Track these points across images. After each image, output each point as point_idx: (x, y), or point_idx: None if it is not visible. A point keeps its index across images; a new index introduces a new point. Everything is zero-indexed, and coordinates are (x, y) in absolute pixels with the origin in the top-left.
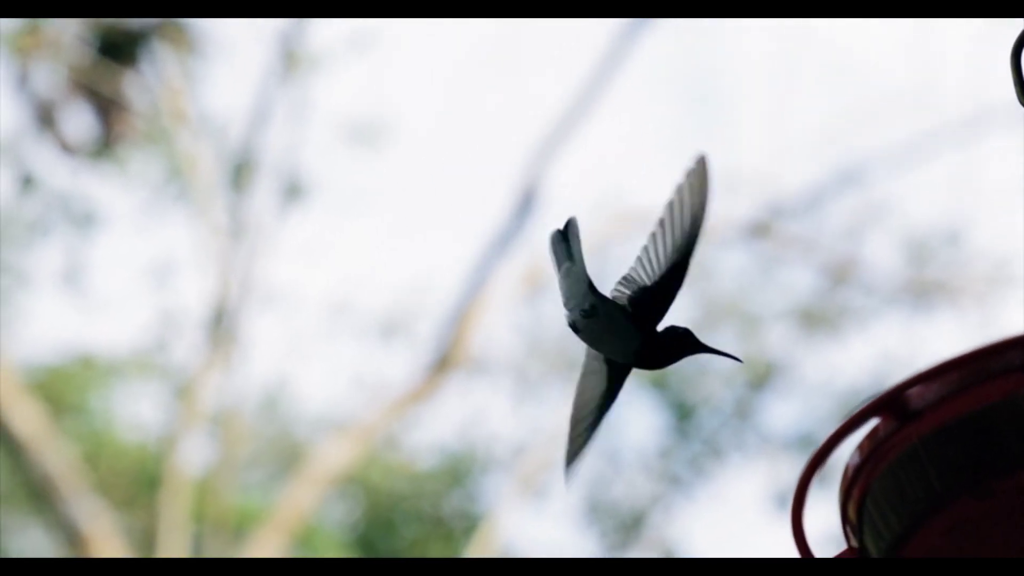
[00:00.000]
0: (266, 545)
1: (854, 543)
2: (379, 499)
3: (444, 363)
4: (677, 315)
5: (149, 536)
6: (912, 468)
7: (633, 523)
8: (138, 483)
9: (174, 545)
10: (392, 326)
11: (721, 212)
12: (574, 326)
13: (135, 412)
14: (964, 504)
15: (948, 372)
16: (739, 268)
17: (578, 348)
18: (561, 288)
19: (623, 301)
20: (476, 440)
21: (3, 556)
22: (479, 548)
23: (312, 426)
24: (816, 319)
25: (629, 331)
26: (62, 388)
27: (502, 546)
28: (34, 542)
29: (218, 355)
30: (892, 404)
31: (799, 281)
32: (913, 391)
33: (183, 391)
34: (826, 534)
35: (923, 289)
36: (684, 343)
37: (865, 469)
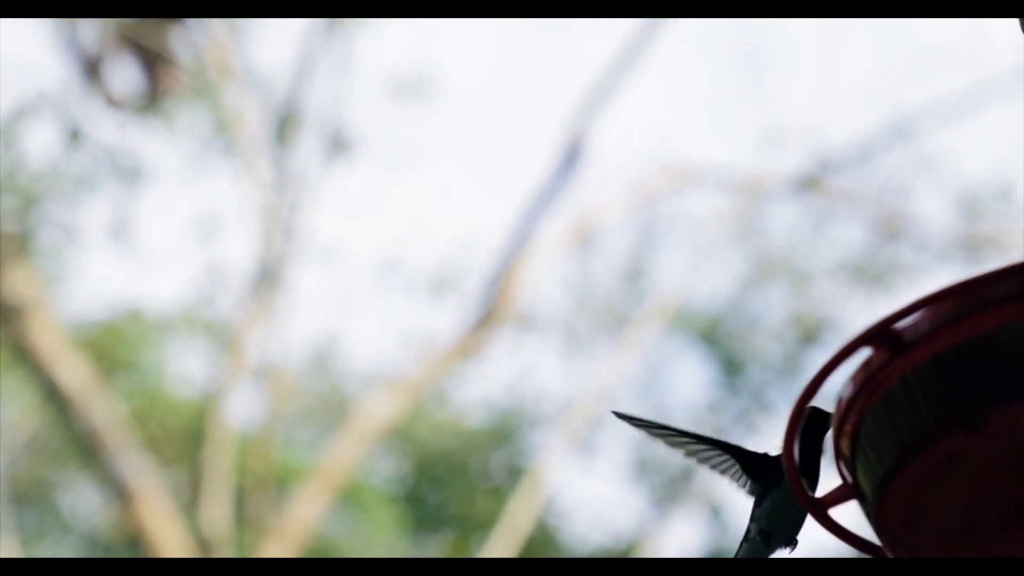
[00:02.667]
0: (310, 500)
1: (848, 478)
2: (427, 454)
3: (490, 317)
4: (729, 271)
5: (194, 491)
6: (904, 400)
7: (681, 478)
8: (188, 439)
9: (217, 500)
10: (440, 281)
11: (770, 166)
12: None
13: (184, 368)
14: (955, 436)
15: (939, 302)
16: (789, 223)
17: (625, 304)
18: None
19: None
20: (525, 396)
21: (53, 512)
22: (523, 500)
23: (361, 382)
24: (866, 274)
25: None
26: (112, 344)
27: (547, 498)
28: (84, 497)
29: (264, 310)
30: (883, 335)
31: (849, 236)
32: (905, 322)
33: (229, 346)
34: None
35: (974, 244)
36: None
37: (858, 402)
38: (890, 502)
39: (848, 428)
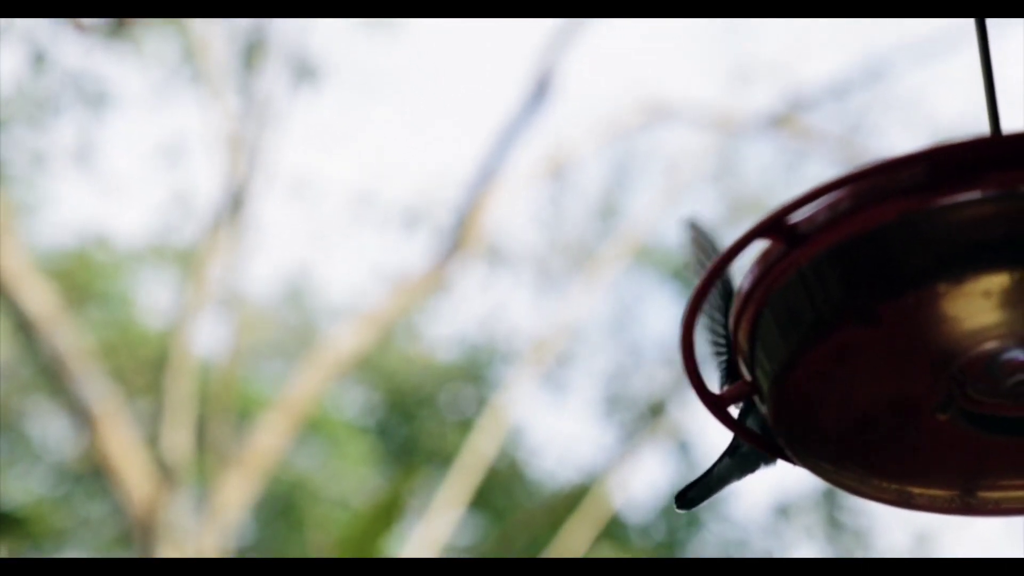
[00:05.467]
0: (273, 430)
1: (746, 375)
2: (397, 387)
3: (457, 250)
4: (701, 208)
5: (157, 419)
6: (801, 293)
7: (651, 414)
8: (156, 369)
9: (179, 427)
10: (410, 214)
11: (743, 104)
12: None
13: (153, 298)
14: (849, 329)
15: (834, 191)
16: (763, 162)
17: (597, 239)
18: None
19: None
20: (496, 331)
21: (23, 441)
22: (485, 433)
23: (331, 315)
24: None
25: None
26: (80, 273)
27: (514, 433)
28: (54, 427)
29: (230, 239)
30: (778, 226)
31: (822, 175)
32: (802, 214)
33: (193, 274)
34: None
35: None
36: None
37: (755, 295)
38: (786, 397)
39: (746, 322)
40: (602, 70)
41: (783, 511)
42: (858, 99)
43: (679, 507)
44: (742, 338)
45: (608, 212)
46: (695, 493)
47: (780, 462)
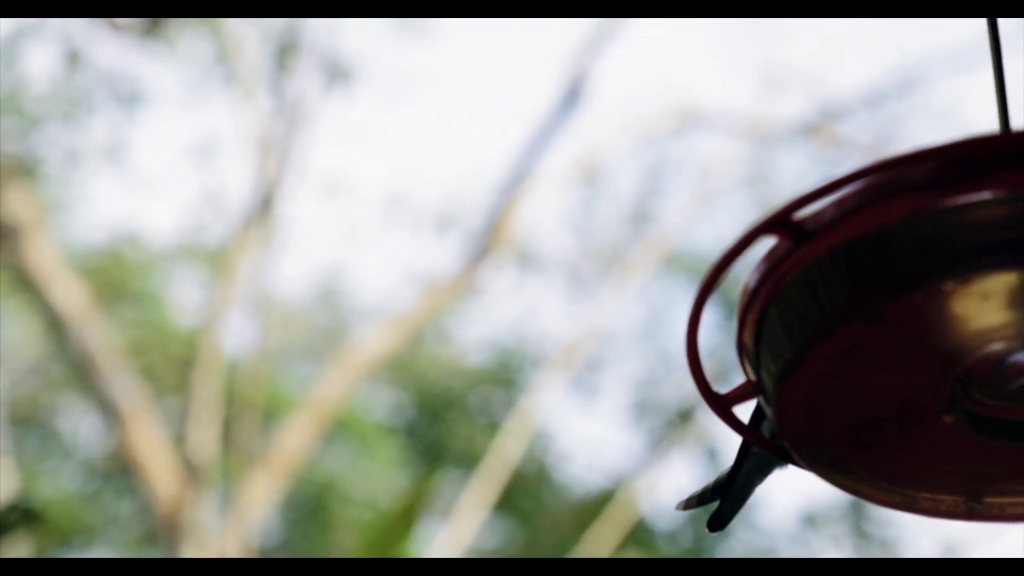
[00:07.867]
0: (299, 430)
1: (751, 376)
2: (427, 389)
3: (487, 253)
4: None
5: (185, 417)
6: (806, 291)
7: (679, 420)
8: (186, 368)
9: (206, 426)
10: (440, 216)
11: (775, 111)
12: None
13: (185, 296)
14: (854, 328)
15: (842, 187)
16: (795, 170)
17: (628, 244)
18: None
19: None
20: (526, 336)
21: (53, 437)
22: (511, 437)
23: (360, 316)
24: None
25: None
26: (112, 271)
27: (542, 437)
28: (84, 423)
29: (261, 238)
30: (785, 222)
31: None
32: (809, 210)
33: (224, 274)
34: None
35: None
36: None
37: (761, 292)
38: (790, 398)
39: (751, 321)
40: (635, 74)
41: (810, 520)
42: (891, 108)
43: (712, 530)
44: (747, 337)
45: (639, 217)
46: (726, 507)
47: (788, 465)
